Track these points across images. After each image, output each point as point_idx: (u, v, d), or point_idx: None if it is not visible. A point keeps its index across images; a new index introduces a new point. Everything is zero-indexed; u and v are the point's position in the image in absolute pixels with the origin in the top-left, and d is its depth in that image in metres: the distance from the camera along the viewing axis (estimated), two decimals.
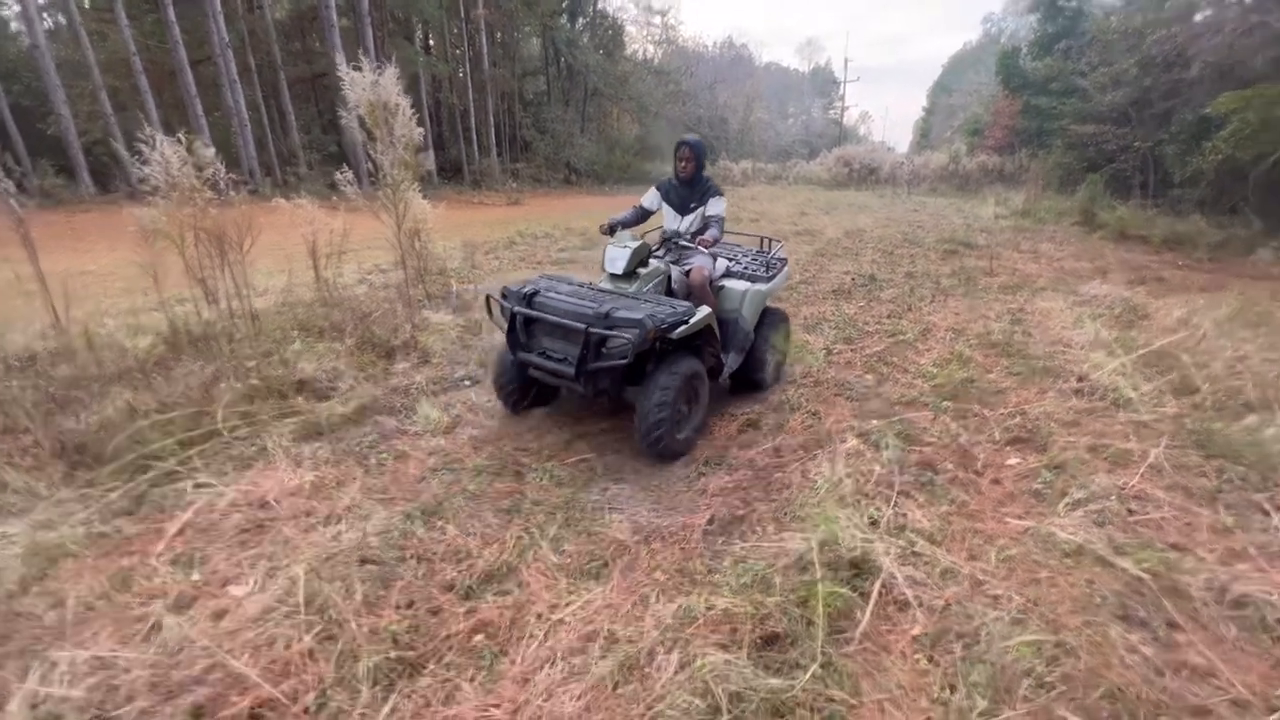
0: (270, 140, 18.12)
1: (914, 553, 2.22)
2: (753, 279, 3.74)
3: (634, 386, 2.99)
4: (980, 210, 16.86)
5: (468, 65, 23.48)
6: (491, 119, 24.51)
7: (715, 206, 3.66)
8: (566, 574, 2.14)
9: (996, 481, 2.78)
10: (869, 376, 4.05)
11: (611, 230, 3.61)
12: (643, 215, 3.78)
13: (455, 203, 19.30)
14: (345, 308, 4.63)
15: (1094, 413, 3.52)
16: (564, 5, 28.89)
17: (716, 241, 3.56)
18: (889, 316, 5.66)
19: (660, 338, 2.76)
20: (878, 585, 2.01)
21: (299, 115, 19.92)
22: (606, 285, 3.22)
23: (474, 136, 24.08)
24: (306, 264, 4.85)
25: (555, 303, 2.92)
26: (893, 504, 2.51)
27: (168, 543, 2.24)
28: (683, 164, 3.68)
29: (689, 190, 3.72)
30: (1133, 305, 6.15)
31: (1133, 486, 2.72)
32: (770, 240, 4.50)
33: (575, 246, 9.18)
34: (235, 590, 2.02)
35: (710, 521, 2.42)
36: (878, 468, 2.78)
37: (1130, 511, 2.53)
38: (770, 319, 3.81)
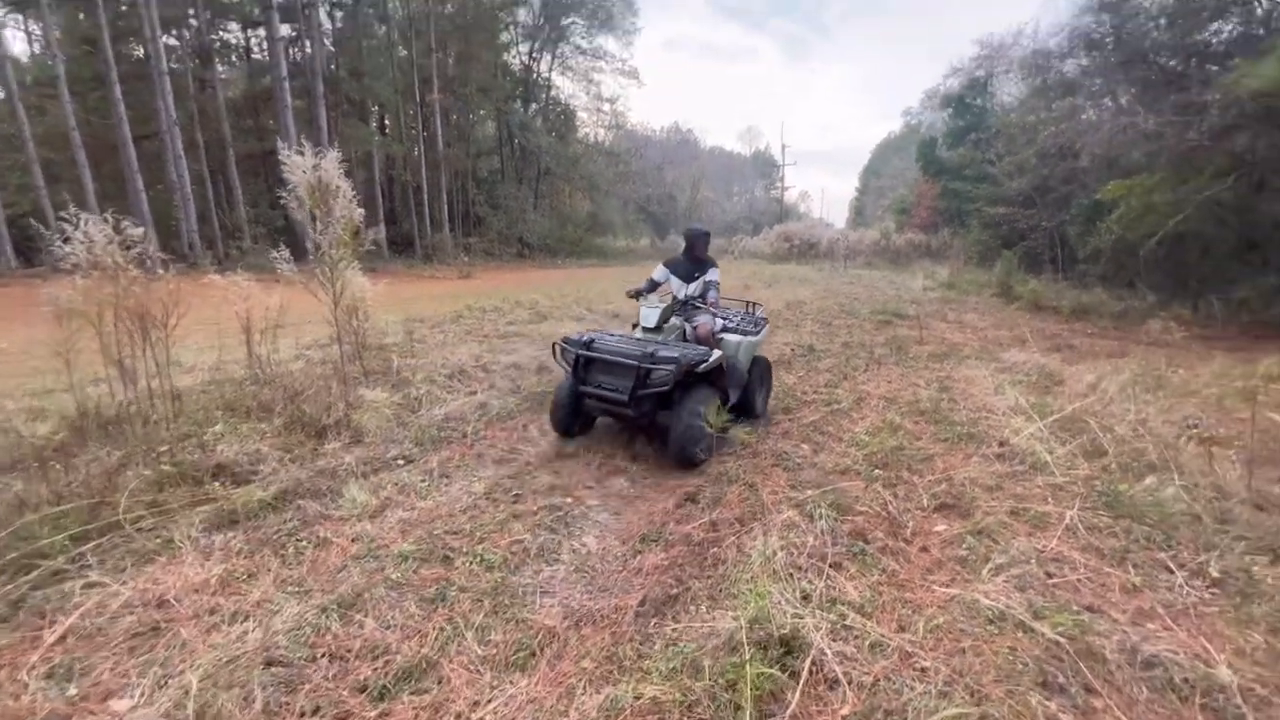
0: (215, 214, 17.90)
1: (845, 626, 2.22)
2: (744, 333, 4.74)
3: (665, 411, 3.83)
4: (910, 283, 17.97)
5: (422, 145, 24.14)
6: (445, 195, 25.00)
7: (713, 275, 4.73)
8: (491, 667, 2.04)
9: (925, 549, 2.84)
10: (805, 446, 4.15)
11: (637, 295, 4.73)
12: (653, 286, 4.84)
13: (405, 276, 19.30)
14: (276, 385, 4.49)
15: (1014, 476, 3.68)
16: (518, 92, 30.41)
17: (715, 303, 4.62)
18: (826, 386, 5.87)
19: (689, 372, 3.70)
20: (807, 663, 1.99)
21: (248, 190, 19.86)
22: (639, 335, 4.25)
23: (426, 211, 24.43)
24: (240, 339, 4.72)
25: (611, 346, 3.88)
26: (825, 576, 2.53)
27: (44, 652, 2.03)
28: (693, 241, 4.79)
29: (694, 264, 4.78)
30: (1048, 372, 6.59)
31: (1051, 549, 2.82)
32: (754, 304, 5.70)
33: (524, 320, 9.24)
34: (117, 705, 1.83)
35: (643, 603, 2.37)
36: (811, 539, 2.81)
37: (1049, 574, 2.62)
38: (758, 364, 4.84)
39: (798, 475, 3.65)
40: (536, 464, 3.79)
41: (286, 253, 4.06)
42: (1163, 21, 10.15)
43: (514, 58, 30.81)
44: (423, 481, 3.42)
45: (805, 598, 2.38)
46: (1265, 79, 6.84)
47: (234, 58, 24.54)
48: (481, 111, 28.77)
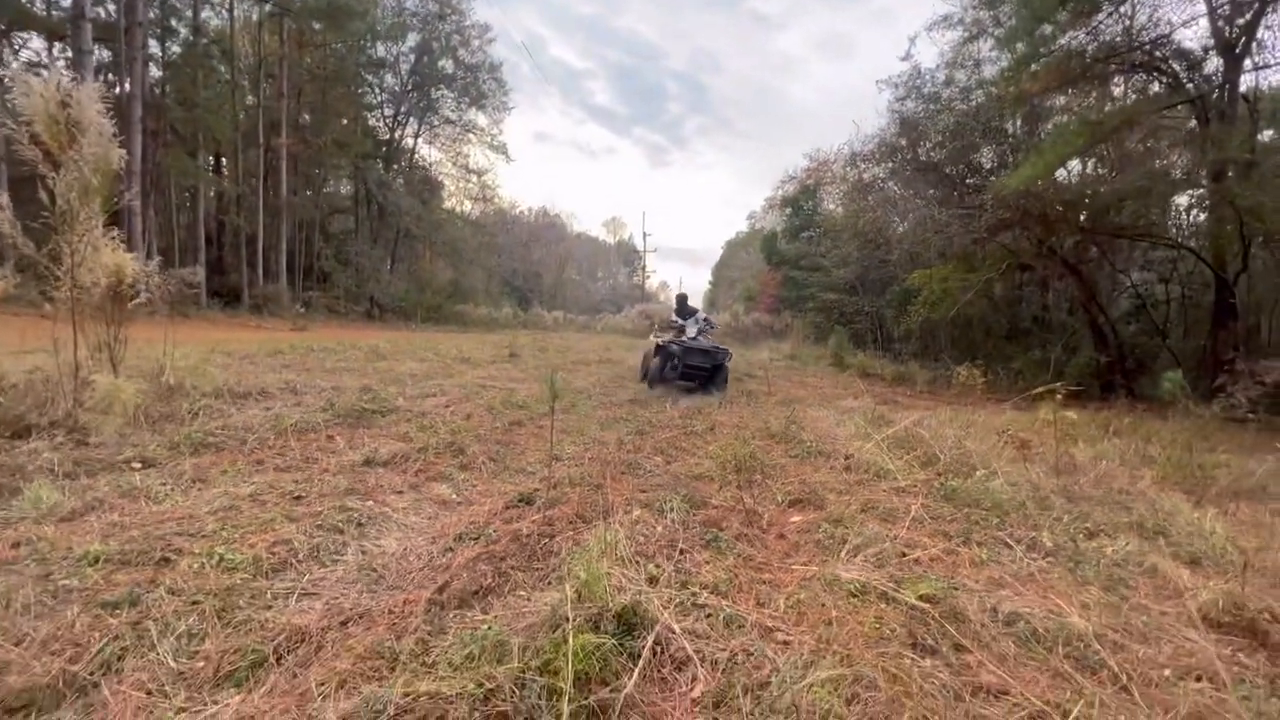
0: None
1: (696, 604, 1.83)
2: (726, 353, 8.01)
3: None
4: (758, 355, 19.18)
5: (262, 189, 22.06)
6: (284, 244, 22.80)
7: (703, 314, 8.70)
8: (188, 684, 1.35)
9: (782, 536, 2.58)
10: (659, 458, 3.84)
11: (681, 331, 8.28)
12: (681, 329, 8.35)
13: (227, 325, 16.85)
14: None
15: (862, 483, 3.64)
16: (380, 152, 29.43)
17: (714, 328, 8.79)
18: (681, 417, 5.70)
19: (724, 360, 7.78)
20: (650, 641, 1.56)
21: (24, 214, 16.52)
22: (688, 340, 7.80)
23: (260, 260, 22.00)
24: None
25: (696, 347, 7.61)
26: (674, 561, 2.14)
27: None
28: (684, 302, 9.01)
29: (690, 312, 8.64)
30: (879, 415, 7.03)
31: (903, 535, 2.70)
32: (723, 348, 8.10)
33: (356, 359, 8.22)
34: None
35: (441, 590, 1.80)
36: (660, 529, 2.43)
37: (904, 553, 2.46)
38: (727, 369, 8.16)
39: (649, 480, 3.29)
40: (336, 470, 3.05)
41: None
42: (944, 142, 12.34)
43: (377, 120, 30.02)
44: (162, 485, 2.56)
45: (652, 580, 1.97)
46: (1021, 179, 8.44)
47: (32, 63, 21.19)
48: (337, 165, 27.27)
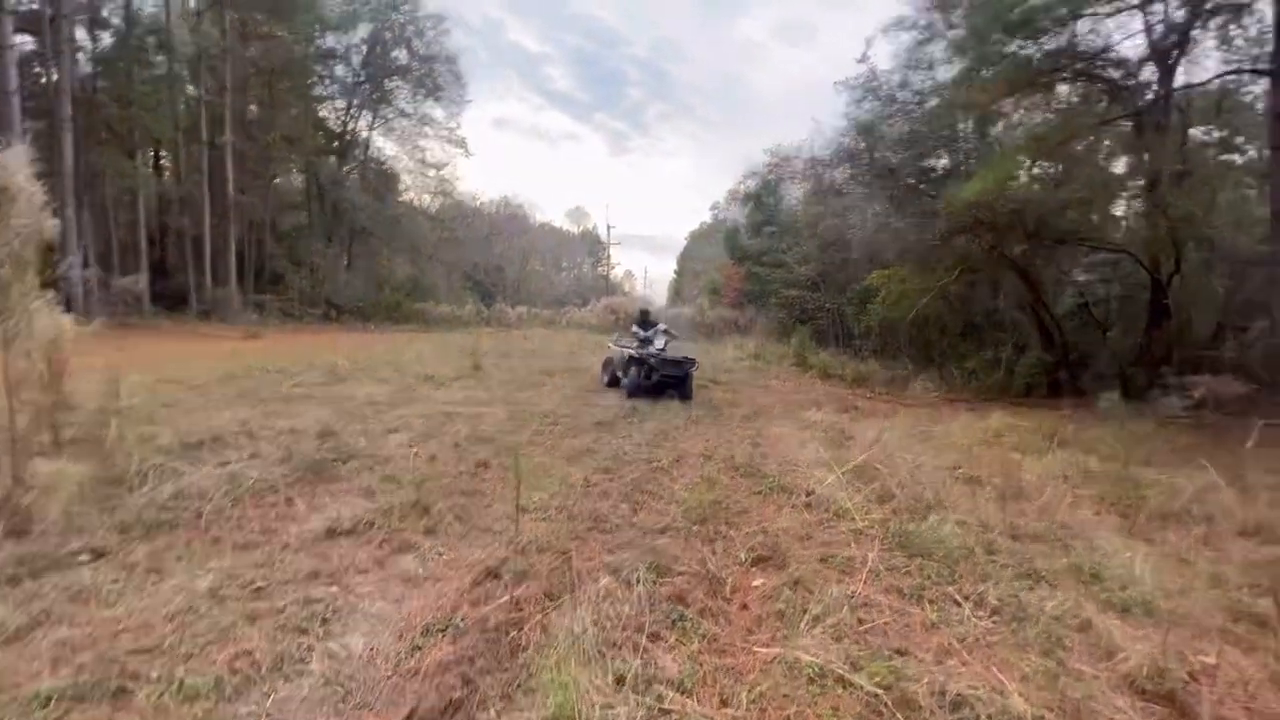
0: None
1: (663, 710, 1.90)
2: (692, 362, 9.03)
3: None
4: (723, 353, 19.37)
5: (207, 189, 21.10)
6: (233, 246, 21.92)
7: (663, 325, 9.64)
8: None
9: (744, 606, 2.67)
10: (625, 506, 3.89)
11: (645, 342, 9.17)
12: (646, 341, 9.22)
13: (172, 333, 16.16)
14: None
15: (822, 524, 3.77)
16: (333, 146, 28.46)
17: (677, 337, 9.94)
18: (647, 445, 5.76)
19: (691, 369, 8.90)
20: None
21: None
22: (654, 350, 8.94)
23: (208, 264, 21.12)
24: None
25: (667, 358, 8.73)
26: (641, 652, 2.20)
27: None
28: (646, 316, 9.91)
29: (651, 325, 9.52)
30: (840, 429, 7.24)
31: (859, 593, 2.82)
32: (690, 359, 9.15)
33: (314, 382, 8.02)
34: None
35: (410, 717, 1.82)
36: (627, 608, 2.49)
37: (860, 620, 2.58)
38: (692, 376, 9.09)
39: (615, 537, 3.34)
40: (298, 546, 3.01)
41: None
42: (900, 148, 12.64)
43: (328, 112, 28.99)
44: (114, 582, 2.48)
45: (619, 681, 2.02)
46: (973, 192, 8.74)
47: None
48: (288, 161, 26.26)
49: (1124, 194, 11.23)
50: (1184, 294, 12.86)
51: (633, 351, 8.97)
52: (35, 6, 17.87)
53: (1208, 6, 8.90)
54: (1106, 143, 11.03)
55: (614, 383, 9.57)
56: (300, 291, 24.61)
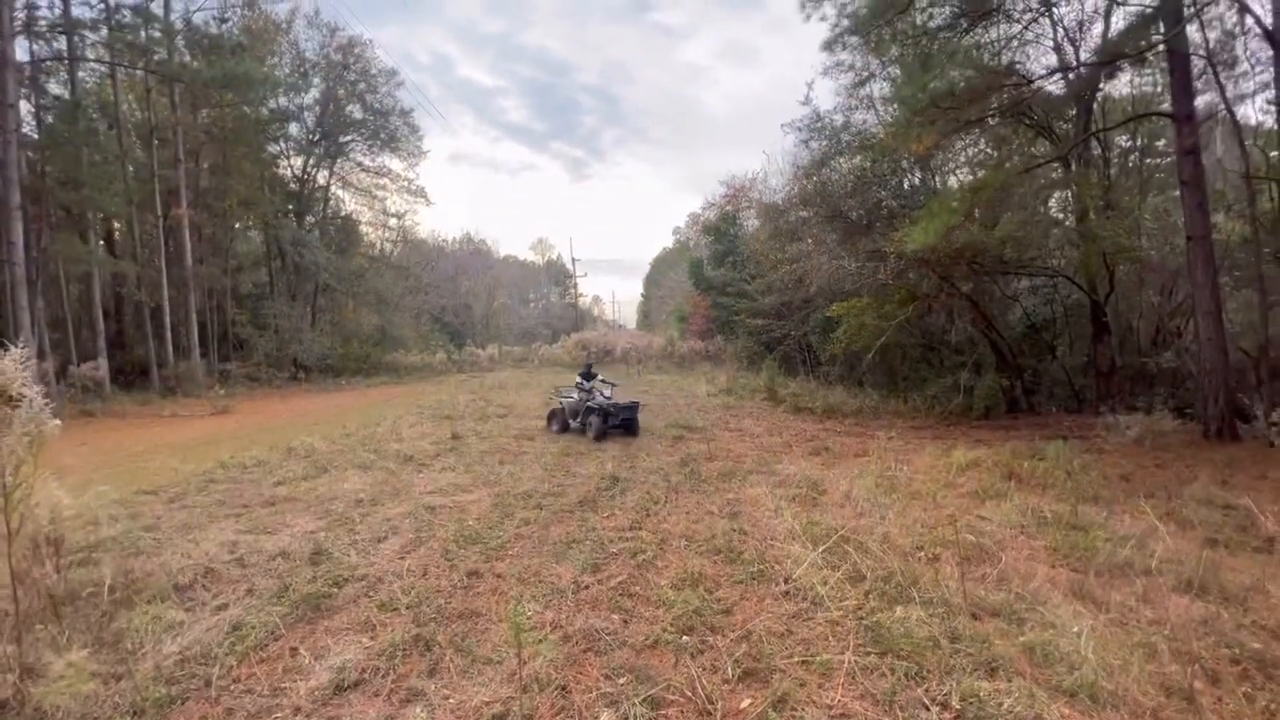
0: None
1: None
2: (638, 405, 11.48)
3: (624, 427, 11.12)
4: (696, 388, 19.79)
5: (164, 261, 20.83)
6: (194, 316, 21.59)
7: (601, 378, 12.01)
8: None
9: None
10: (615, 617, 4.11)
11: (588, 378, 11.69)
12: (590, 391, 11.33)
13: (138, 418, 15.80)
14: None
15: (799, 616, 4.04)
16: (290, 207, 28.33)
17: (615, 385, 12.30)
18: (630, 528, 5.99)
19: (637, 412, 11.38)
20: None
21: None
22: (603, 398, 11.37)
23: (169, 336, 20.74)
24: None
25: (619, 404, 11.08)
26: None
27: None
28: (588, 369, 12.23)
29: (591, 378, 11.64)
30: (813, 481, 7.57)
31: (838, 703, 3.09)
32: (636, 402, 11.58)
33: (296, 477, 8.05)
34: None
35: None
36: None
37: None
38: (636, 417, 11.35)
39: (610, 659, 3.56)
40: (309, 709, 3.15)
41: None
42: (849, 188, 13.30)
43: (285, 169, 28.89)
44: None
45: None
46: (917, 242, 9.31)
47: None
48: (244, 225, 26.04)
49: (1056, 229, 12.01)
50: (1122, 307, 13.70)
51: (592, 403, 11.04)
52: None
53: (1112, 61, 9.71)
54: (1041, 182, 11.80)
55: (564, 428, 11.58)
56: (266, 355, 24.29)
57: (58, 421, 3.26)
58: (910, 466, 8.42)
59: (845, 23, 11.25)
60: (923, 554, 4.99)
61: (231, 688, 3.32)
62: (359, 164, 29.89)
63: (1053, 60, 12.19)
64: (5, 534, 3.36)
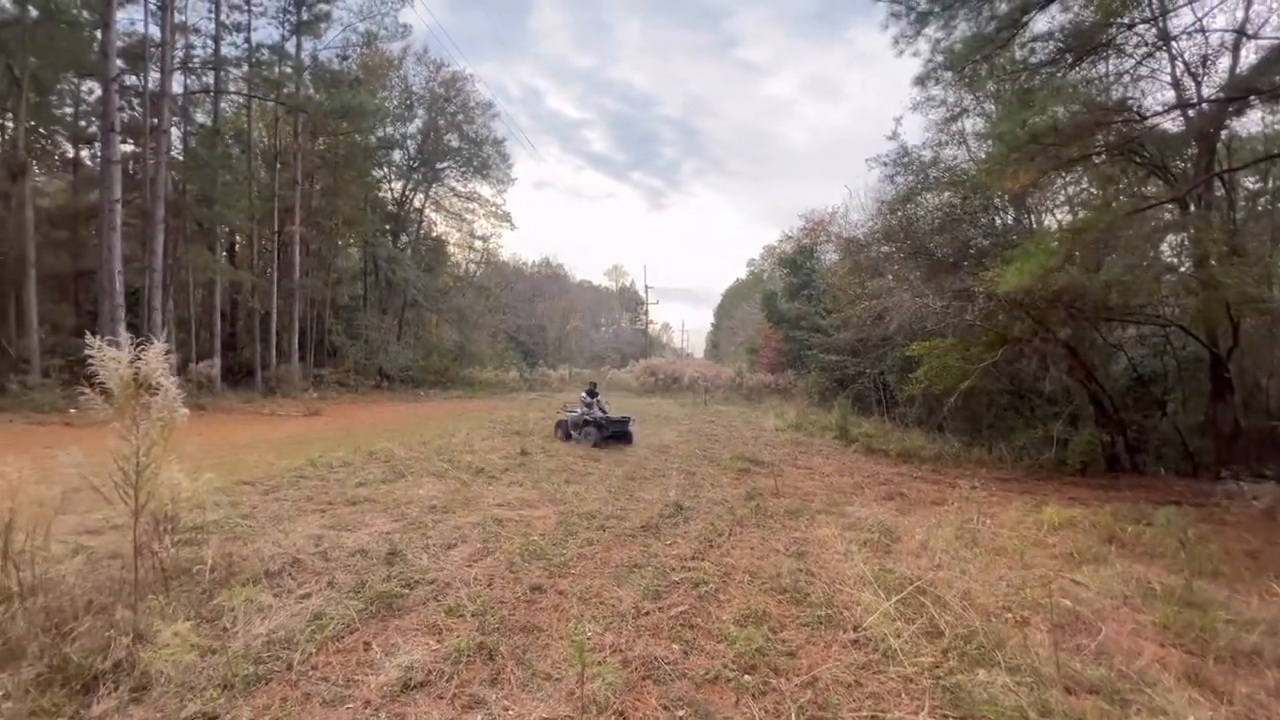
0: None
1: None
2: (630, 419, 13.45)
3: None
4: (764, 421, 19.39)
5: (275, 272, 22.84)
6: (297, 324, 23.43)
7: (601, 399, 13.64)
8: None
9: None
10: (675, 647, 4.04)
11: (590, 407, 13.18)
12: (588, 403, 13.23)
13: (240, 414, 17.24)
14: (35, 608, 3.58)
15: (869, 668, 3.83)
16: (388, 226, 30.43)
17: (607, 404, 14.01)
18: (693, 558, 5.90)
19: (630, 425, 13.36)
20: None
21: (51, 314, 17.19)
22: (603, 412, 13.29)
23: (274, 340, 22.58)
24: None
25: (617, 417, 13.13)
26: None
27: None
28: (592, 388, 13.88)
29: (594, 395, 13.52)
30: (886, 527, 7.20)
31: None
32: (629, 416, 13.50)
33: (376, 479, 8.49)
34: None
35: None
36: None
37: None
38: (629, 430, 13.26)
39: (669, 690, 3.49)
40: (378, 703, 3.27)
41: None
42: (936, 224, 12.84)
43: (386, 192, 31.16)
44: None
45: None
46: (1010, 284, 8.80)
47: (56, 161, 22.36)
48: (346, 242, 28.19)
49: (1170, 275, 11.07)
50: (1247, 364, 12.39)
51: (589, 416, 12.89)
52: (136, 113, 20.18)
53: (1243, 97, 8.98)
54: (1154, 224, 10.96)
55: (567, 437, 13.03)
56: (355, 362, 25.92)
57: (186, 411, 3.62)
58: (995, 520, 7.84)
59: (939, 58, 11.00)
60: (1010, 615, 4.61)
61: (310, 674, 3.51)
62: (452, 189, 31.89)
63: (1169, 96, 11.42)
64: (134, 510, 3.75)
